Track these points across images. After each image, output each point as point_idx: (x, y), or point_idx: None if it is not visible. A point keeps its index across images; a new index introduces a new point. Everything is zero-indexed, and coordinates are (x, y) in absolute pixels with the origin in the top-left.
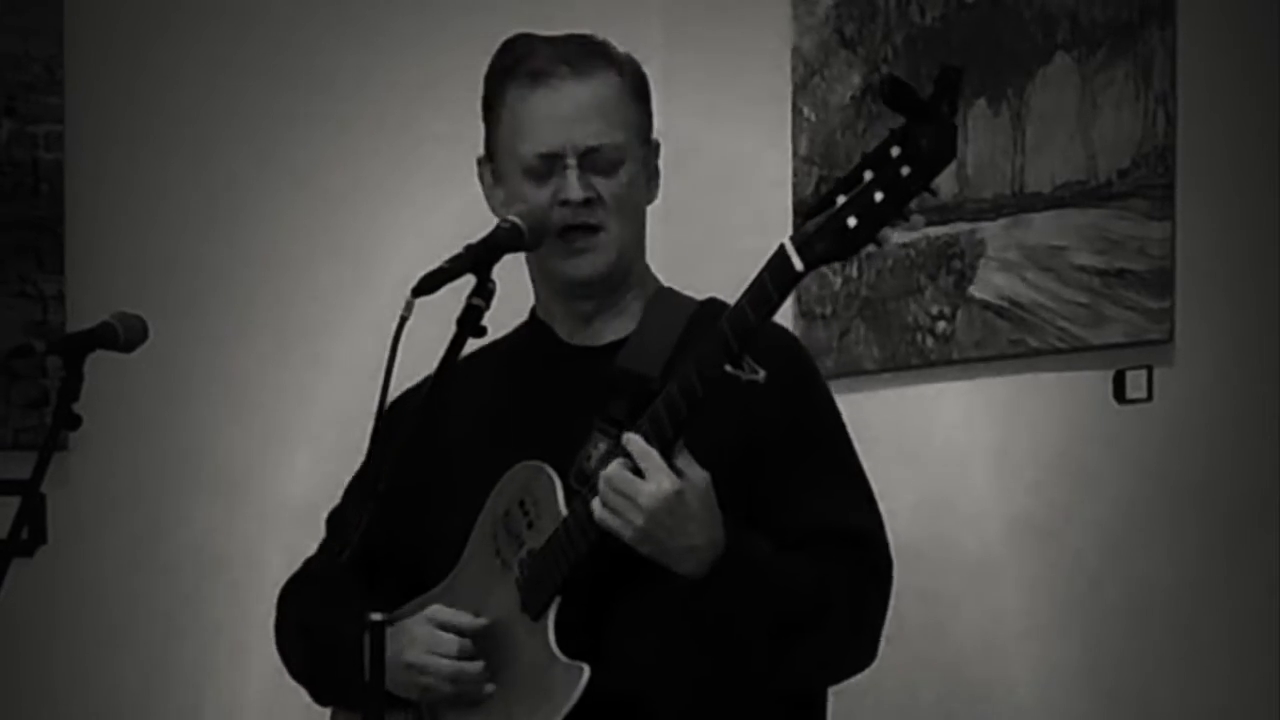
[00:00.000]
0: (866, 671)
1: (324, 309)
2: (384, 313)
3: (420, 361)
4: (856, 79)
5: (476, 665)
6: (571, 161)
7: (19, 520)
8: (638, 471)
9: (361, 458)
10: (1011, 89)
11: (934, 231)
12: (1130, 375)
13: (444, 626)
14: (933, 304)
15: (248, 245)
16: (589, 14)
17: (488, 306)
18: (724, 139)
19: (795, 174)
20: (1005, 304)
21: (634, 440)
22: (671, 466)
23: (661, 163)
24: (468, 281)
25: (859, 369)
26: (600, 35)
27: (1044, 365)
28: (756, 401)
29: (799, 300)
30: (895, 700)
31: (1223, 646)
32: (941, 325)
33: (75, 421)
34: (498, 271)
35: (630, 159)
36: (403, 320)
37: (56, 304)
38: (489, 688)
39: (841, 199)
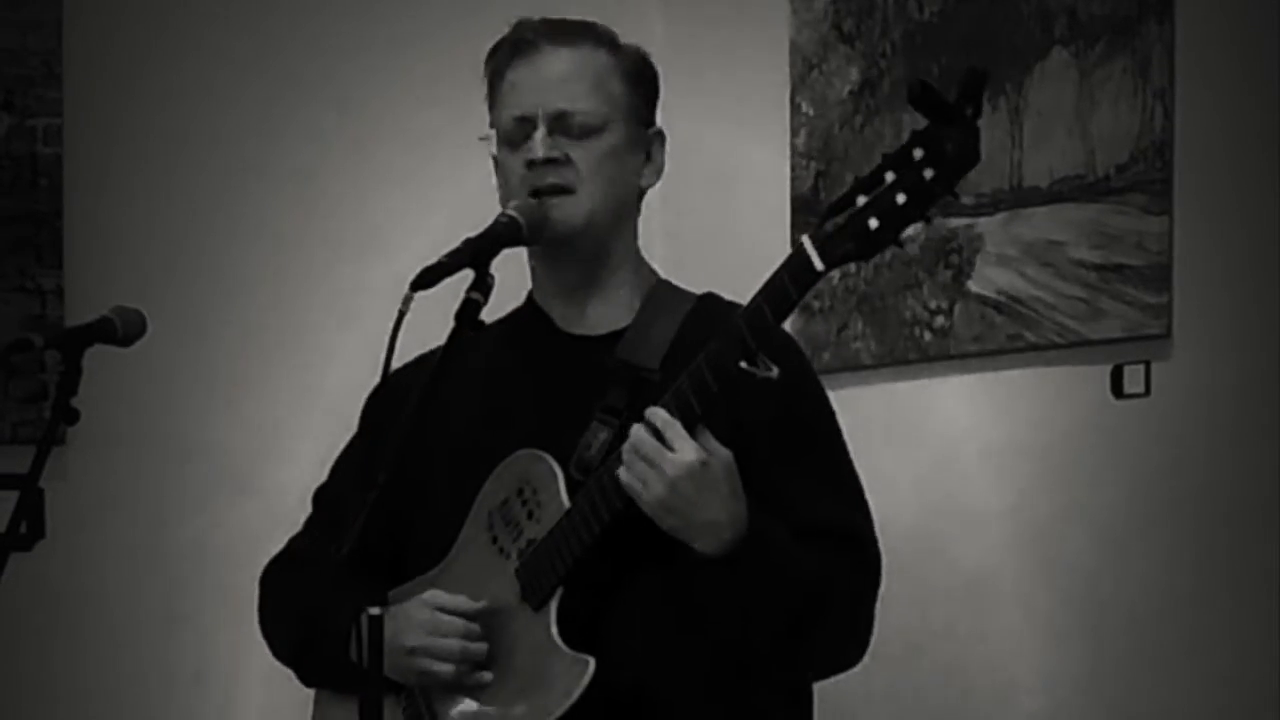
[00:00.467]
0: (865, 660)
1: (324, 303)
2: (384, 307)
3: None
4: (855, 74)
5: (481, 646)
6: (541, 124)
7: (17, 515)
8: (661, 440)
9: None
10: (1010, 84)
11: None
12: (1128, 370)
13: (444, 609)
14: (931, 299)
15: (247, 239)
16: (588, 9)
17: (486, 300)
18: (722, 133)
19: (793, 169)
20: (1003, 299)
21: (658, 413)
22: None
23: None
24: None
25: (857, 363)
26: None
27: (1042, 360)
28: (751, 398)
29: None
30: (894, 691)
31: (1222, 643)
32: (939, 320)
33: (74, 416)
34: (496, 265)
35: (611, 131)
36: (401, 315)
37: (55, 298)
38: (487, 676)
39: (862, 199)
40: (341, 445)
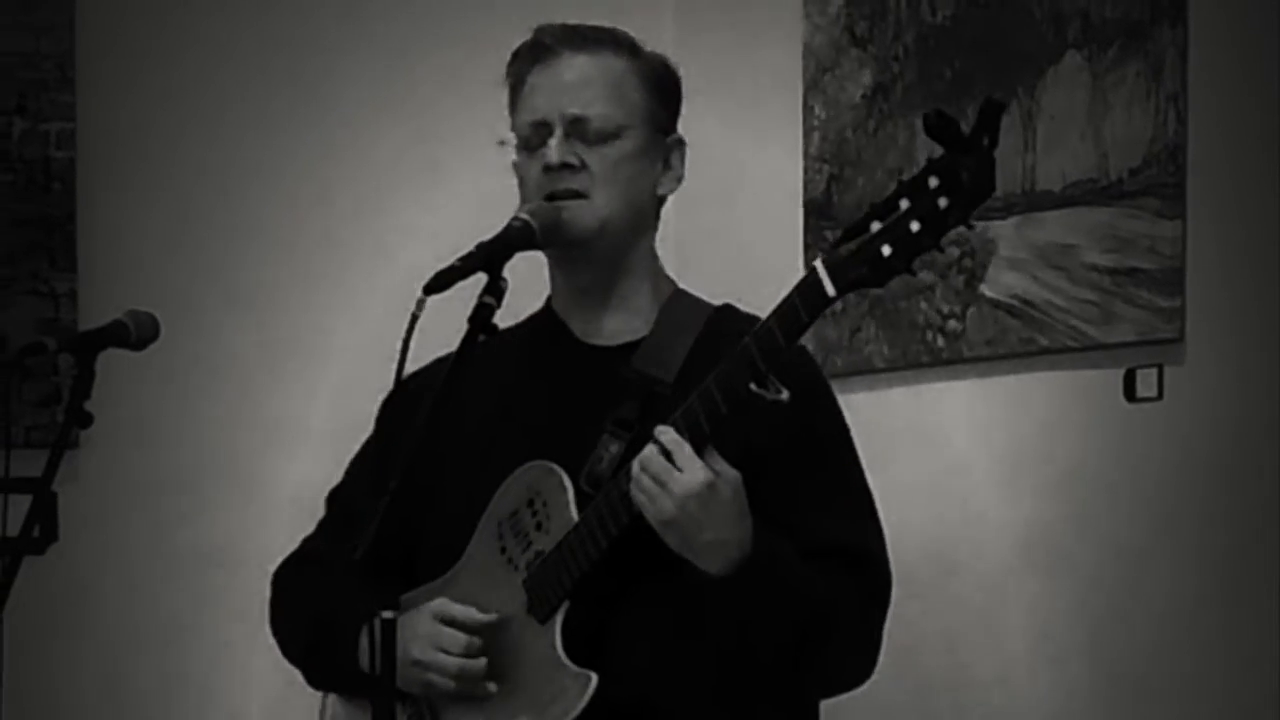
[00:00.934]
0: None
1: (336, 307)
2: (396, 311)
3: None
4: (867, 77)
5: (480, 663)
6: (558, 129)
7: (30, 518)
8: (670, 460)
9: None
10: (1022, 87)
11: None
12: (1141, 374)
13: (449, 622)
14: (943, 302)
15: (259, 243)
16: (601, 12)
17: (499, 305)
18: (735, 136)
19: (806, 172)
20: (1016, 302)
21: (667, 432)
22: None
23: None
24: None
25: (869, 367)
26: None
27: (1055, 364)
28: (761, 420)
29: None
30: (899, 699)
31: (1239, 649)
32: (952, 324)
33: (87, 419)
34: (510, 269)
35: (628, 137)
36: (414, 318)
37: (68, 302)
38: (491, 687)
39: (876, 225)
40: (352, 449)
